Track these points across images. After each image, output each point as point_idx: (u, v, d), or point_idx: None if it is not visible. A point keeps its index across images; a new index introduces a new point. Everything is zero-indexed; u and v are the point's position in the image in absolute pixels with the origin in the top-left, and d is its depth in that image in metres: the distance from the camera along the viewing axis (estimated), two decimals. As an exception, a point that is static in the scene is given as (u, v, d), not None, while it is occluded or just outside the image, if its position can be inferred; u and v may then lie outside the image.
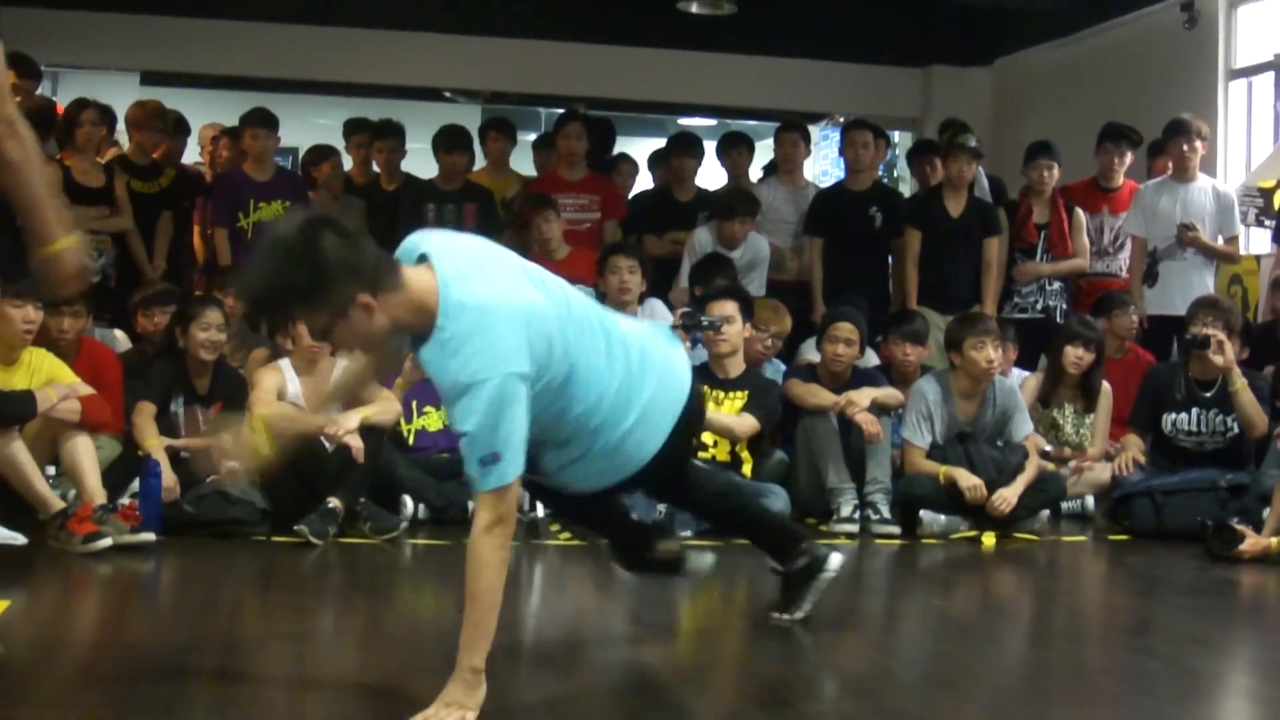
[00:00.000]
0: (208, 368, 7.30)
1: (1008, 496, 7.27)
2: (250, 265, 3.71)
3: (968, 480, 7.29)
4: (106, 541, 6.12)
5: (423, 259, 3.77)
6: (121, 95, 10.62)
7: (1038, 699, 4.26)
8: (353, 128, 10.88)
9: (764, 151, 11.14)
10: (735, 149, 10.49)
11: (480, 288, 3.68)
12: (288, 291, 3.60)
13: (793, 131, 10.31)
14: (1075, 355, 8.11)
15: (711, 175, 10.91)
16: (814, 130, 11.66)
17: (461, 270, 3.72)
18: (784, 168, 10.27)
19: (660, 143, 11.16)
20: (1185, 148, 9.17)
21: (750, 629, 4.94)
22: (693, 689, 3.98)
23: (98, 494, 6.41)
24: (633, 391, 4.14)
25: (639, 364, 4.16)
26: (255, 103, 10.00)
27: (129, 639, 4.92)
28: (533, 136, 11.94)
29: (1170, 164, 9.44)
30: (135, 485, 6.78)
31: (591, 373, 3.98)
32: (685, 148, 10.34)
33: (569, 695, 4.06)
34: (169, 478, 6.75)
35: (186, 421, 7.25)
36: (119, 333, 8.36)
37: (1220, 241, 9.24)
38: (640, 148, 11.90)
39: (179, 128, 10.26)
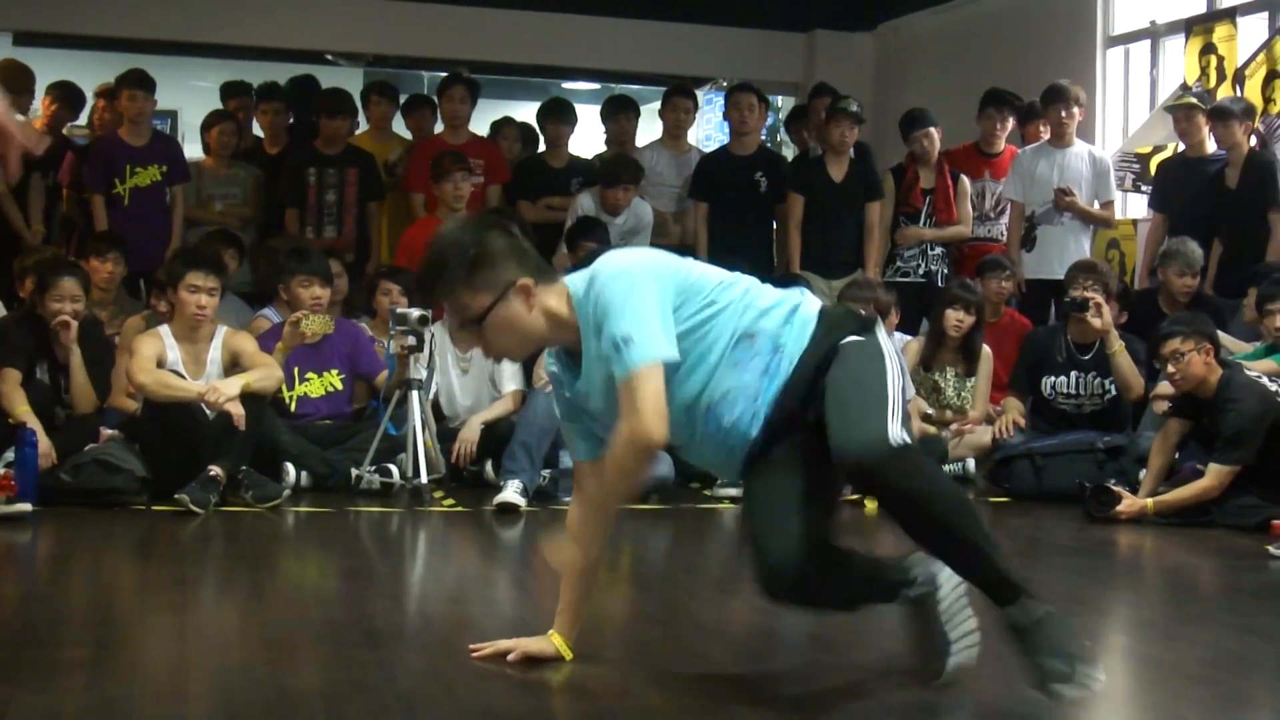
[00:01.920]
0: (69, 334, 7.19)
1: None
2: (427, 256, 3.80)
3: None
4: (-19, 512, 6.03)
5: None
6: (-7, 55, 10.41)
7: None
8: (230, 91, 10.73)
9: (649, 116, 11.11)
10: (623, 113, 10.48)
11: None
12: (455, 265, 3.67)
13: (685, 97, 10.31)
14: (956, 318, 8.20)
15: (589, 139, 10.89)
16: (698, 94, 11.64)
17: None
18: (669, 132, 10.27)
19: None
20: (1063, 113, 9.28)
21: (635, 594, 4.94)
22: (573, 652, 3.98)
23: (-29, 464, 6.30)
24: None
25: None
26: (131, 64, 9.84)
27: (4, 612, 4.84)
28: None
29: (1044, 130, 9.56)
30: (9, 454, 6.65)
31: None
32: (558, 113, 10.31)
33: (452, 661, 4.04)
34: (45, 445, 6.64)
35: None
36: (-9, 299, 8.22)
37: (1097, 206, 9.36)
38: (523, 112, 11.84)
39: (74, 100, 10.06)
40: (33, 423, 6.71)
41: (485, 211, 3.51)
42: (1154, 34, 10.29)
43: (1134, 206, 10.21)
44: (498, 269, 3.69)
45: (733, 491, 7.28)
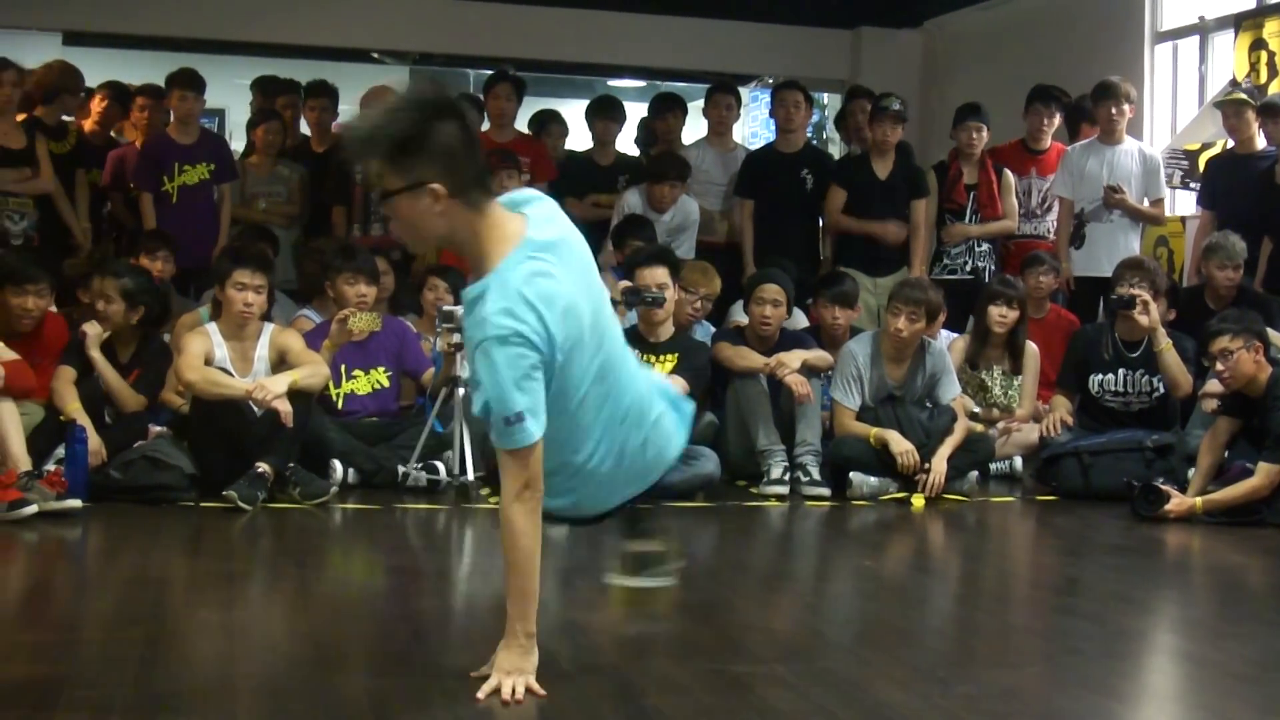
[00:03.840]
0: (131, 334, 7.23)
1: (938, 471, 7.30)
2: (373, 108, 3.67)
3: (900, 445, 7.31)
4: (32, 509, 6.06)
5: (518, 213, 3.73)
6: (43, 55, 10.47)
7: (967, 659, 4.29)
8: (276, 88, 10.77)
9: (694, 113, 11.12)
10: (670, 111, 10.49)
11: (544, 264, 3.61)
12: (384, 137, 3.55)
13: (727, 94, 10.30)
14: (999, 314, 8.16)
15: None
16: (743, 92, 11.63)
17: (546, 238, 3.68)
18: (715, 130, 10.26)
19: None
20: (1113, 110, 9.22)
21: (681, 590, 4.94)
22: (620, 649, 3.98)
23: (22, 460, 6.33)
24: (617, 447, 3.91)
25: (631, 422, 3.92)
26: (179, 63, 9.89)
27: (55, 607, 4.88)
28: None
29: (1095, 127, 9.50)
30: (60, 451, 6.69)
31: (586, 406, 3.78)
32: (606, 111, 10.33)
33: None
34: (95, 442, 6.68)
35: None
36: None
37: (1146, 204, 9.30)
38: (568, 110, 11.85)
39: (124, 99, 10.12)
40: (83, 420, 6.74)
41: (458, 96, 3.32)
42: (1203, 29, 10.22)
43: (1182, 204, 10.14)
44: (422, 162, 3.55)
45: (780, 489, 7.28)
